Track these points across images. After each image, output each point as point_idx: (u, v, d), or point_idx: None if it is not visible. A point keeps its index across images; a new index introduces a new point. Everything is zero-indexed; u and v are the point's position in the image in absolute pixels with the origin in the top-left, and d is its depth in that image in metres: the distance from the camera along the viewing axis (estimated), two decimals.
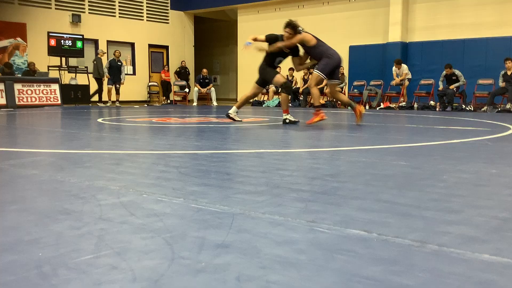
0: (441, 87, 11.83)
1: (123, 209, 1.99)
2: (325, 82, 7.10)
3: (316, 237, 1.63)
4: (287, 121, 6.98)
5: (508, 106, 10.75)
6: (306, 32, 6.81)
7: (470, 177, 2.83)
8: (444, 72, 11.85)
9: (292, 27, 6.71)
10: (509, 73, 11.02)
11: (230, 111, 7.44)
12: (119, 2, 17.19)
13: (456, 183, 2.63)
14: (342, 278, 1.28)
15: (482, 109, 11.30)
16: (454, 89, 11.65)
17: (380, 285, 1.24)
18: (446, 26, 13.11)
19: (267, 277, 1.28)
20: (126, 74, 15.34)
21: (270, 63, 7.05)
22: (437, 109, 11.78)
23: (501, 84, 11.11)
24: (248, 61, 17.10)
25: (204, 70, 16.29)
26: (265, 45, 6.89)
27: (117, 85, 14.65)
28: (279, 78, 7.01)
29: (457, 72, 11.72)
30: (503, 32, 12.13)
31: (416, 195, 2.30)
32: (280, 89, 7.34)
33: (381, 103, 12.78)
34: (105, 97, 14.84)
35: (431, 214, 1.93)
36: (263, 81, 7.19)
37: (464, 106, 11.61)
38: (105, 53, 15.69)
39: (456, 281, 1.26)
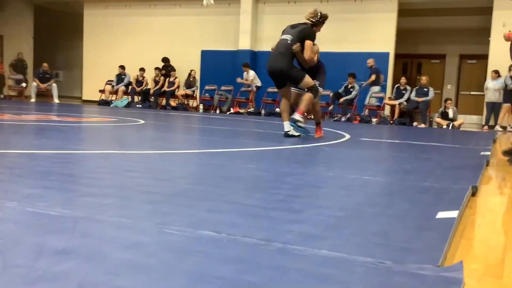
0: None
1: None
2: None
3: (166, 240, 1.60)
4: (298, 124, 5.67)
5: (342, 119, 11.89)
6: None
7: (310, 179, 3.04)
8: None
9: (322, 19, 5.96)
10: (349, 86, 12.30)
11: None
12: None
13: (298, 185, 2.80)
14: (192, 279, 1.27)
15: (329, 109, 12.37)
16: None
17: (229, 284, 1.26)
18: None
19: (113, 283, 1.22)
20: None
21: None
22: None
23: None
24: (94, 58, 16.29)
25: (45, 64, 15.07)
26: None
27: None
28: (309, 80, 5.88)
29: None
30: (339, 48, 13.35)
31: (263, 196, 2.40)
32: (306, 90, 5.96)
33: (231, 108, 13.14)
34: None
35: (276, 214, 2.02)
36: (286, 81, 6.10)
37: (306, 114, 12.53)
38: None
39: (298, 276, 1.34)
